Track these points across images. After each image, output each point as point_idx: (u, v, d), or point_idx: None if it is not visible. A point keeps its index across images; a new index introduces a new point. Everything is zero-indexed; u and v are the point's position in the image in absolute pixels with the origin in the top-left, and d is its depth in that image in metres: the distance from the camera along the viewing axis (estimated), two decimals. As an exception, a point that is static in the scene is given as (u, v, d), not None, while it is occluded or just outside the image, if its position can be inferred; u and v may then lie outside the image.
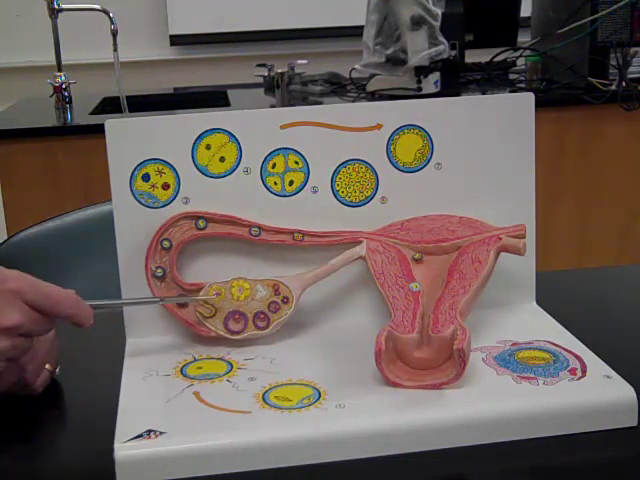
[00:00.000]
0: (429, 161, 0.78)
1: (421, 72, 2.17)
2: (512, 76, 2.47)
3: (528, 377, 0.66)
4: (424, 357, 0.66)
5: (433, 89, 2.21)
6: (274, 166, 0.76)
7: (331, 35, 3.61)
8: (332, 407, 0.62)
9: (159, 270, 0.74)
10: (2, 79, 3.48)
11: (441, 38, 2.17)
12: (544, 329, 0.75)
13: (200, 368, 0.70)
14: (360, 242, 0.77)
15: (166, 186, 0.75)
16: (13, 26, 3.48)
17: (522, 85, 2.35)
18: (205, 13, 3.60)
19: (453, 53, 2.36)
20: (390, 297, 0.71)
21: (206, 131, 0.75)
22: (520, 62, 2.50)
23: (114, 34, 2.10)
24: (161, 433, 0.60)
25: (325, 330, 0.77)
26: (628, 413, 0.63)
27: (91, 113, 2.30)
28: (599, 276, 1.00)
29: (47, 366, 0.70)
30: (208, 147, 0.75)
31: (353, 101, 2.25)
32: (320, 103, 2.28)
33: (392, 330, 0.66)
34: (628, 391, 0.63)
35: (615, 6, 2.14)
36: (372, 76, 2.25)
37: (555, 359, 0.68)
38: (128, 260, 0.74)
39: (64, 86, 2.27)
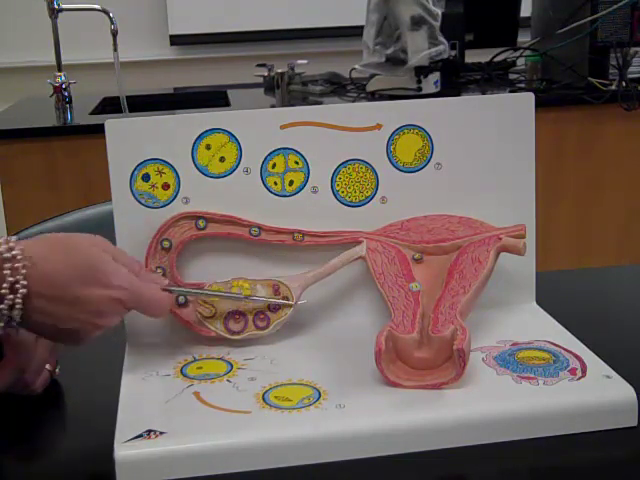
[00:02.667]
0: (429, 161, 0.78)
1: (421, 72, 2.17)
2: (512, 76, 2.47)
3: (528, 377, 0.66)
4: (424, 357, 0.66)
5: (433, 89, 2.21)
6: (274, 166, 0.76)
7: (331, 35, 3.61)
8: (332, 407, 0.62)
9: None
10: (2, 79, 3.48)
11: (441, 38, 2.17)
12: (544, 329, 0.75)
13: (200, 368, 0.70)
14: (360, 242, 0.77)
15: (166, 186, 0.75)
16: (13, 26, 3.48)
17: (522, 85, 2.35)
18: (205, 13, 3.60)
19: (453, 53, 2.36)
20: (390, 297, 0.71)
21: (206, 131, 0.75)
22: (520, 62, 2.50)
23: (114, 34, 2.10)
24: (161, 433, 0.60)
25: (325, 330, 0.77)
26: (628, 413, 0.63)
27: (91, 113, 2.30)
28: (599, 276, 1.00)
29: (47, 366, 0.70)
30: (208, 147, 0.75)
31: (353, 101, 2.25)
32: (320, 103, 2.28)
33: (392, 330, 0.66)
34: (628, 391, 0.63)
35: (615, 6, 2.14)
36: (372, 76, 2.25)
37: (555, 359, 0.68)
38: (128, 260, 0.74)
39: (64, 86, 2.27)
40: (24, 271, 0.60)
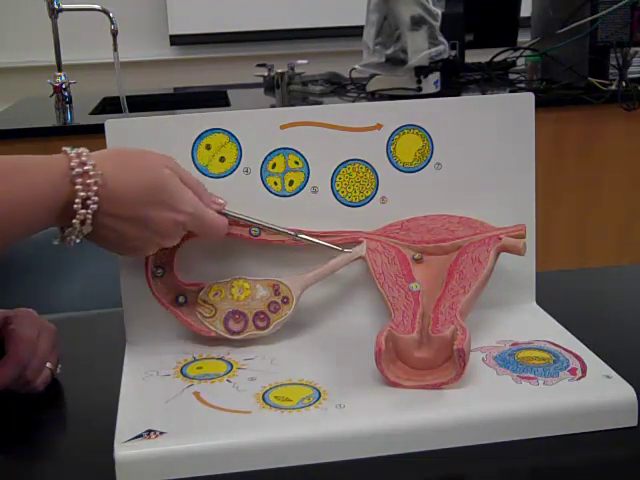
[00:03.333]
0: (429, 161, 0.78)
1: (421, 72, 2.17)
2: (512, 76, 2.47)
3: (528, 377, 0.66)
4: (424, 357, 0.66)
5: (433, 89, 2.21)
6: (274, 166, 0.76)
7: (331, 35, 3.61)
8: (332, 407, 0.62)
9: (159, 270, 0.74)
10: (2, 79, 3.48)
11: (441, 38, 2.17)
12: (544, 329, 0.75)
13: (200, 368, 0.70)
14: (360, 242, 0.77)
15: (166, 186, 0.75)
16: (13, 26, 3.48)
17: (522, 85, 2.35)
18: (205, 13, 3.60)
19: (453, 53, 2.36)
20: (390, 297, 0.71)
21: (206, 131, 0.75)
22: (520, 62, 2.50)
23: (114, 34, 2.10)
24: (161, 433, 0.60)
25: (325, 330, 0.77)
26: (628, 413, 0.63)
27: (91, 113, 2.30)
28: (599, 276, 1.00)
29: (48, 364, 0.70)
30: (208, 147, 0.75)
31: (353, 101, 2.25)
32: (320, 103, 2.28)
33: (392, 330, 0.66)
34: (628, 391, 0.63)
35: (615, 6, 2.13)
36: (372, 76, 2.25)
37: (555, 359, 0.68)
38: (128, 260, 0.74)
39: (64, 86, 2.27)
40: (95, 188, 0.61)
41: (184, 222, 0.67)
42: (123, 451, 0.58)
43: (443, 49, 2.17)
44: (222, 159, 0.75)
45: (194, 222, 0.68)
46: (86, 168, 0.61)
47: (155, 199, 0.65)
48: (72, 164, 0.61)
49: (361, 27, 2.27)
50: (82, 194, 0.61)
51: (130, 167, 0.65)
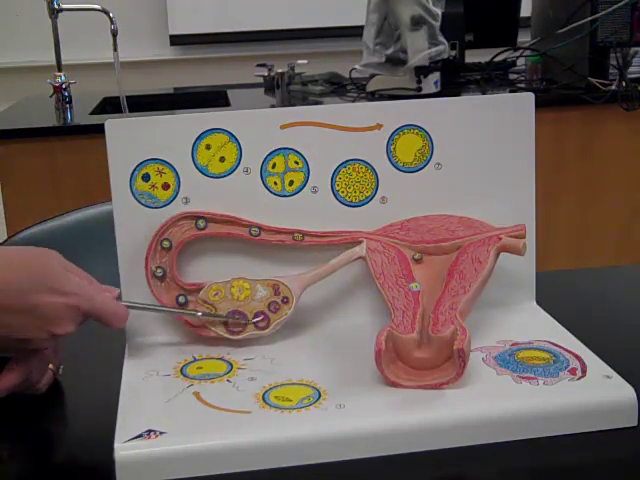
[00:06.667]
0: (429, 161, 0.78)
1: (421, 72, 2.17)
2: (512, 76, 2.47)
3: (528, 377, 0.66)
4: (424, 357, 0.66)
5: (433, 89, 2.21)
6: (274, 166, 0.76)
7: (331, 35, 3.62)
8: (332, 407, 0.62)
9: (159, 270, 0.74)
10: (2, 79, 3.48)
11: (441, 38, 2.17)
12: (544, 329, 0.75)
13: (200, 368, 0.70)
14: (360, 242, 0.77)
15: (166, 186, 0.75)
16: (13, 26, 3.48)
17: (522, 85, 2.35)
18: (205, 13, 3.61)
19: (453, 53, 2.36)
20: (390, 297, 0.71)
21: (206, 131, 0.75)
22: (520, 62, 2.50)
23: (114, 34, 2.11)
24: (161, 433, 0.60)
25: (325, 330, 0.77)
26: (628, 413, 0.63)
27: (91, 113, 2.30)
28: (599, 276, 1.00)
29: (50, 365, 0.70)
30: (208, 147, 0.75)
31: (353, 101, 2.25)
32: (320, 103, 2.28)
33: (392, 330, 0.66)
34: (628, 391, 0.63)
35: (615, 6, 2.14)
36: (372, 76, 2.26)
37: (555, 359, 0.68)
38: (128, 260, 0.74)
39: (64, 86, 2.28)
40: None
41: (76, 304, 0.64)
42: (123, 451, 0.58)
43: (443, 49, 2.17)
44: (222, 159, 0.75)
45: (86, 304, 0.65)
46: None
47: (41, 286, 0.63)
48: None
49: (361, 27, 2.27)
50: None
51: (12, 261, 0.64)
